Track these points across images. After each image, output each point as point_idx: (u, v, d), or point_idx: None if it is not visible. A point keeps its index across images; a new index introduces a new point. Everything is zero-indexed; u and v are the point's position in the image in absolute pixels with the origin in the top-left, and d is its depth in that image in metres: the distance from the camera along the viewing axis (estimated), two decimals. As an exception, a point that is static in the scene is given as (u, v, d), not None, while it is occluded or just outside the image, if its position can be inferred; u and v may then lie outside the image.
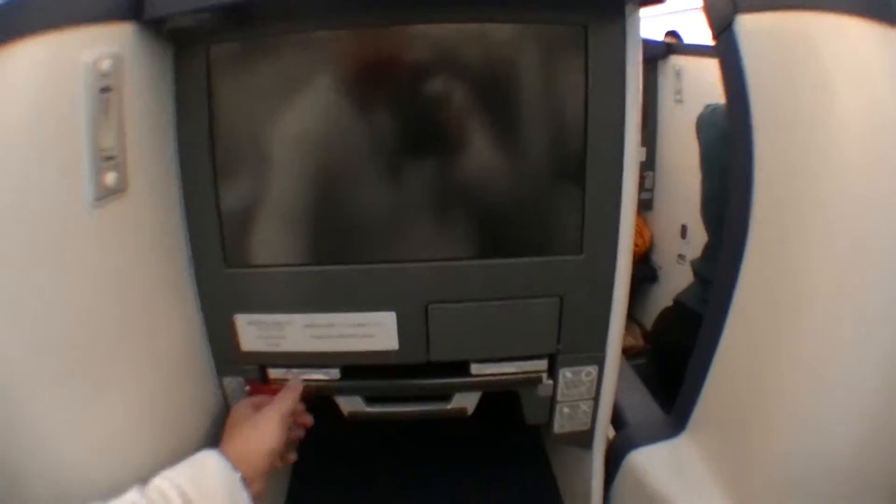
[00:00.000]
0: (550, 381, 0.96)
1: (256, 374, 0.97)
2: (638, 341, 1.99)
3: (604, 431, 1.04)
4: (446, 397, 0.98)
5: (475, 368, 0.93)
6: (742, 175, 0.84)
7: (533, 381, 0.96)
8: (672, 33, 2.49)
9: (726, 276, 0.87)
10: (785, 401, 0.82)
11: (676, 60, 1.88)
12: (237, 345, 0.94)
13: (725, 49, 0.84)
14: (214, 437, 0.91)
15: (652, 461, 0.98)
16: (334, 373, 0.94)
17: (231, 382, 0.97)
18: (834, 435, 0.80)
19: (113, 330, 0.76)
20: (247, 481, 0.75)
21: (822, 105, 0.75)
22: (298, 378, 0.93)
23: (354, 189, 0.87)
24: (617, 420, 1.10)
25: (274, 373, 0.94)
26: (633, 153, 0.83)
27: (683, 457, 0.96)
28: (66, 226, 0.69)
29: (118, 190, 0.73)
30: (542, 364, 0.94)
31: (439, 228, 0.90)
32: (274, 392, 0.90)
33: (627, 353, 1.96)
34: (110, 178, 0.71)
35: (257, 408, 0.86)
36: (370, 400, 0.98)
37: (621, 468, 1.03)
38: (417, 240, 0.89)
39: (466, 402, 0.98)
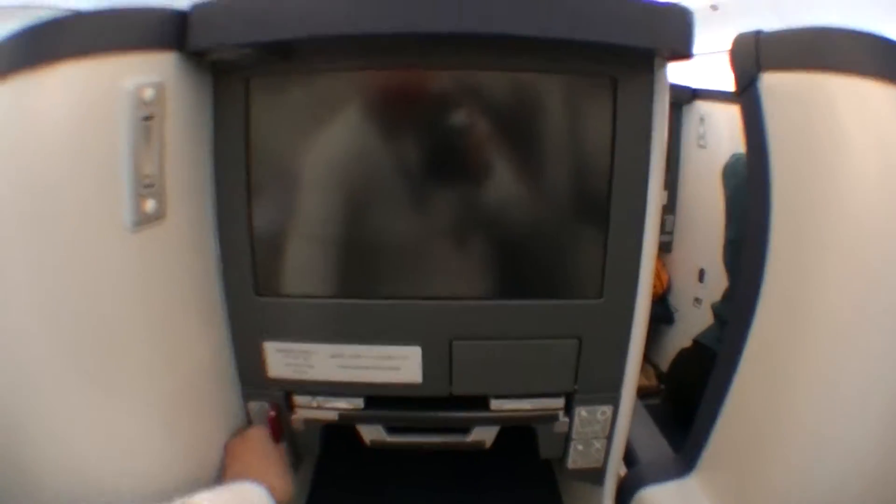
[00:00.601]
0: (566, 419, 0.97)
1: (282, 400, 0.97)
2: (651, 382, 1.99)
3: (615, 469, 1.04)
4: (465, 430, 0.99)
5: (495, 404, 0.95)
6: (758, 224, 0.86)
7: (550, 417, 0.97)
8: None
9: (741, 318, 0.88)
10: (798, 445, 0.83)
11: (701, 106, 1.90)
12: (265, 371, 0.95)
13: (748, 104, 0.86)
14: None
15: (661, 500, 0.99)
16: (358, 402, 0.95)
17: (255, 406, 0.98)
18: (848, 480, 0.81)
19: (139, 347, 0.78)
20: None
21: (839, 163, 0.76)
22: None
23: (384, 225, 0.89)
24: (628, 458, 1.11)
25: (299, 400, 0.96)
26: (655, 200, 0.85)
27: (692, 497, 0.96)
28: (103, 247, 0.72)
29: (157, 217, 0.75)
30: (558, 402, 0.96)
31: (465, 268, 0.92)
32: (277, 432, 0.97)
33: (641, 392, 1.96)
34: (150, 205, 0.73)
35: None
36: (391, 429, 0.99)
37: None
38: (444, 278, 0.91)
39: (485, 435, 0.99)
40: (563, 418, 0.97)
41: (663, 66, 0.82)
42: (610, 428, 1.00)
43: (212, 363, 0.92)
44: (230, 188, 0.87)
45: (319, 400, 0.95)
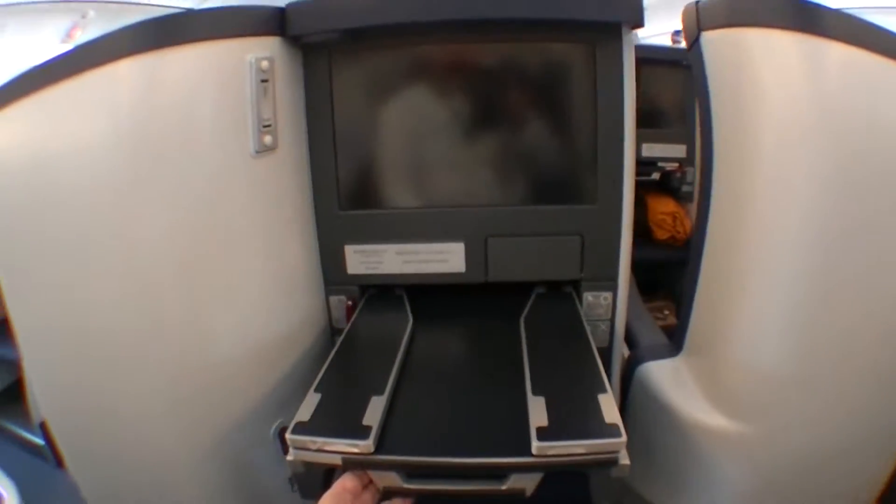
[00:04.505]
0: (627, 462, 0.78)
1: (358, 294, 1.21)
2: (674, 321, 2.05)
3: (619, 348, 1.23)
4: (501, 476, 0.81)
5: (537, 447, 0.77)
6: (706, 158, 1.04)
7: (607, 462, 0.79)
8: (677, 33, 2.69)
9: (700, 230, 1.07)
10: (746, 328, 1.01)
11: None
12: (345, 269, 1.18)
13: (694, 59, 1.03)
14: (315, 348, 1.16)
15: (655, 373, 1.17)
16: (367, 444, 0.79)
17: (335, 301, 1.21)
18: (789, 358, 0.98)
19: (255, 246, 1.02)
20: None
21: (755, 102, 0.93)
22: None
23: (435, 155, 1.15)
24: (633, 344, 1.30)
25: (296, 440, 0.81)
26: (630, 129, 1.08)
27: (679, 373, 1.14)
28: (237, 168, 0.97)
29: (272, 148, 1.02)
30: (616, 443, 0.78)
31: (496, 184, 1.16)
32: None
33: (665, 329, 2.10)
34: (267, 139, 1.00)
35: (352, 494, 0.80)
36: (411, 474, 0.82)
37: (633, 378, 1.22)
38: (480, 191, 1.16)
39: (525, 482, 0.80)
40: (623, 462, 0.78)
41: (629, 32, 1.05)
42: (612, 312, 1.19)
43: (304, 263, 1.15)
44: (320, 131, 1.13)
45: (319, 442, 0.80)
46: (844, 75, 0.90)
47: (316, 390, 0.90)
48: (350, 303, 1.20)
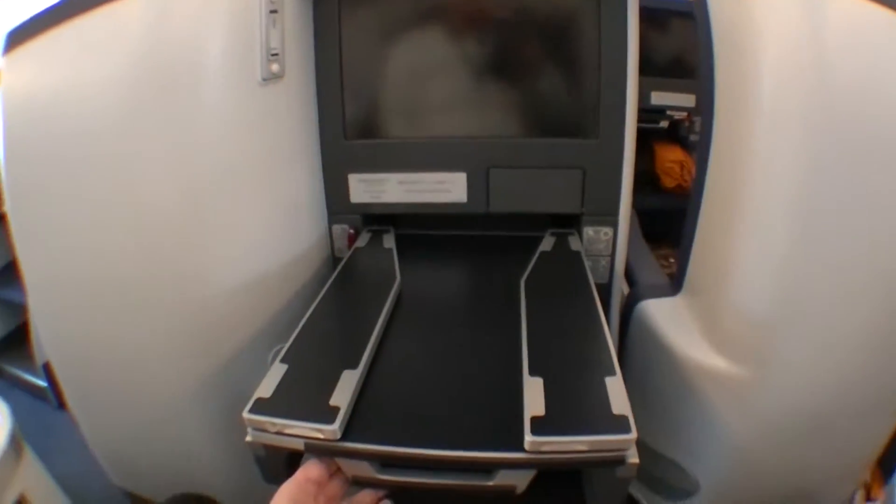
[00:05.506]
0: (636, 460, 0.68)
1: (360, 223, 1.24)
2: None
3: (619, 284, 1.25)
4: (488, 471, 0.71)
5: (530, 442, 0.66)
6: (707, 104, 1.04)
7: (612, 461, 0.68)
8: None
9: (700, 172, 1.07)
10: (743, 268, 1.00)
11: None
12: (347, 197, 1.22)
13: (699, 7, 1.02)
14: (317, 277, 1.20)
15: (654, 310, 1.18)
16: (331, 431, 0.69)
17: (338, 230, 1.25)
18: (774, 301, 0.98)
19: (260, 174, 1.05)
20: None
21: (755, 49, 0.93)
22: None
23: (439, 88, 1.17)
24: (633, 282, 1.32)
25: (254, 419, 0.72)
26: (633, 69, 1.10)
27: (677, 311, 1.15)
28: (245, 95, 1.00)
29: (279, 76, 1.05)
30: (625, 440, 0.67)
31: (501, 115, 1.18)
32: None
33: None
34: (275, 67, 1.03)
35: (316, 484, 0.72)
36: (385, 463, 0.73)
37: (633, 315, 1.22)
38: (485, 122, 1.18)
39: (516, 478, 0.70)
40: (631, 460, 0.68)
41: None
42: (612, 248, 1.21)
43: (308, 192, 1.19)
44: (327, 63, 1.15)
45: (279, 424, 0.71)
46: (846, 25, 0.89)
47: (283, 360, 0.80)
48: (352, 231, 1.22)
